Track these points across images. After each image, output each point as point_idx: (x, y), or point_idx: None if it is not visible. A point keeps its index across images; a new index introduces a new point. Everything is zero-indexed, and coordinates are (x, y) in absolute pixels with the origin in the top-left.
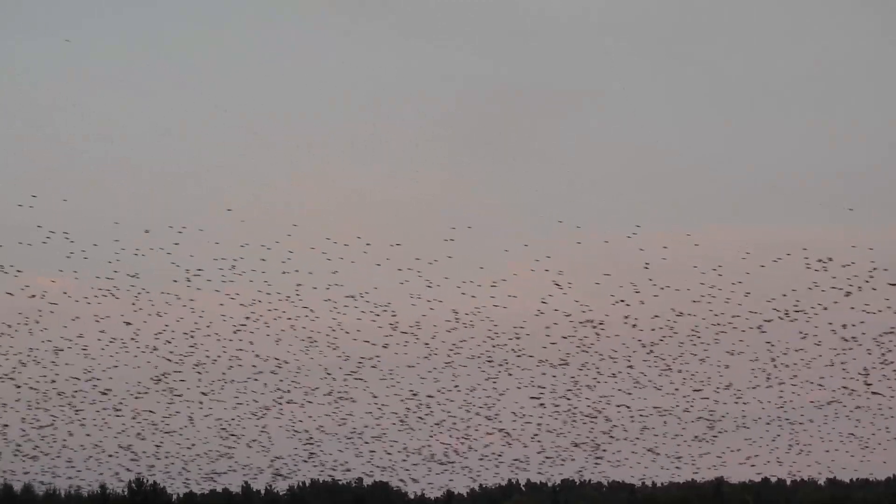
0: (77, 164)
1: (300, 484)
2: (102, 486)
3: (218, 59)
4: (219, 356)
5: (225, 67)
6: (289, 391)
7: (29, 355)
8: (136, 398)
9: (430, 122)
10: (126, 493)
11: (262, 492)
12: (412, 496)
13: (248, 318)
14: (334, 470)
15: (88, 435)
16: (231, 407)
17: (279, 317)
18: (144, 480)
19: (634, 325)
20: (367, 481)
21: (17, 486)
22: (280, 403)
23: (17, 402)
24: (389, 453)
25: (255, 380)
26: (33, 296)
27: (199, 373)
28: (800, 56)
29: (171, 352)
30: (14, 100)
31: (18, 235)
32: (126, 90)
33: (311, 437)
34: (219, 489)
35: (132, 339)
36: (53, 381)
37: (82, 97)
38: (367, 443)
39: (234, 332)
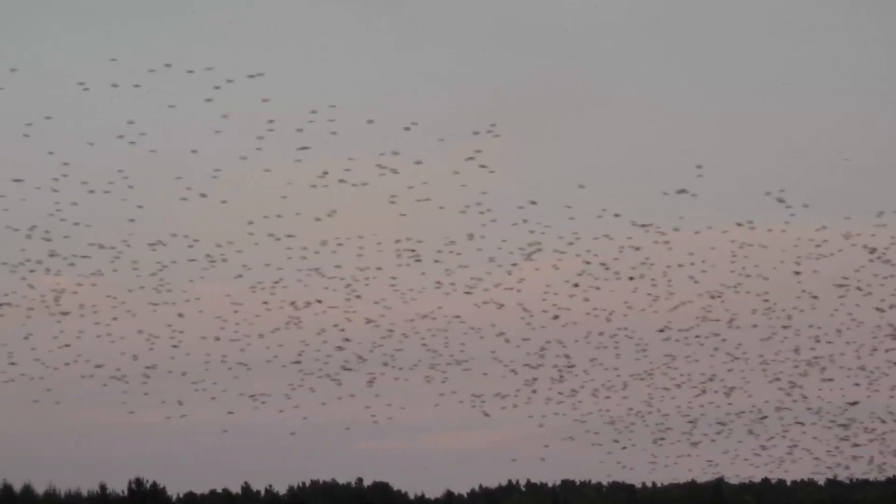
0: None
1: (300, 484)
2: (102, 486)
3: (222, 51)
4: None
5: (229, 59)
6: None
7: (34, 352)
8: (139, 396)
9: (433, 117)
10: (126, 494)
11: (262, 492)
12: (412, 496)
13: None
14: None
15: (89, 435)
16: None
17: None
18: (144, 480)
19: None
20: (367, 481)
21: (18, 486)
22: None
23: (18, 401)
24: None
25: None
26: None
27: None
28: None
29: (175, 349)
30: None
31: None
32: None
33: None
34: (219, 489)
35: (132, 336)
36: (56, 381)
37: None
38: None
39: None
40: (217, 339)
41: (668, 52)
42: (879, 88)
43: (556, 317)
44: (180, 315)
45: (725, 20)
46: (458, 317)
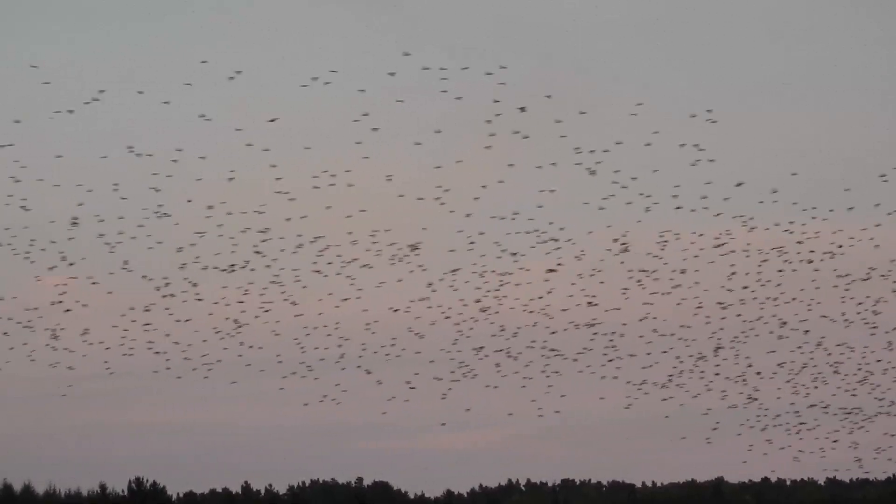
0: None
1: (300, 484)
2: (102, 486)
3: (221, 51)
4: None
5: (234, 57)
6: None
7: (33, 353)
8: (138, 397)
9: (435, 117)
10: (126, 494)
11: (262, 492)
12: (412, 496)
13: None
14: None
15: (89, 435)
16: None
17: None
18: (144, 480)
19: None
20: (367, 481)
21: (18, 486)
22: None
23: (18, 401)
24: None
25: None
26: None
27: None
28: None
29: (175, 349)
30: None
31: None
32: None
33: None
34: (219, 489)
35: (134, 337)
36: (55, 380)
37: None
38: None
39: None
40: (368, 325)
41: (668, 52)
42: (879, 88)
43: (722, 304)
44: (300, 313)
45: (725, 20)
46: (647, 304)
